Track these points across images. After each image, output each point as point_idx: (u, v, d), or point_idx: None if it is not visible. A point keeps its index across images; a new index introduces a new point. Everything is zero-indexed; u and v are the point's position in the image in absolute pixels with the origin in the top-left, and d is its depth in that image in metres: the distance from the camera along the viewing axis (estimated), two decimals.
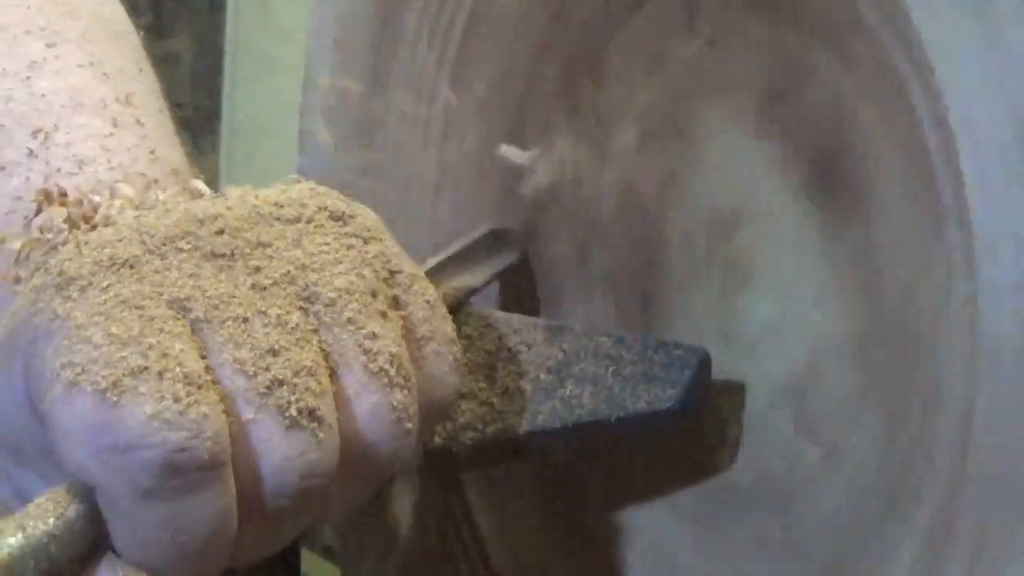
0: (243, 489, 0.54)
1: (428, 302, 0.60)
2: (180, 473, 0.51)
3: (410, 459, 0.59)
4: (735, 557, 0.66)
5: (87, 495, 0.52)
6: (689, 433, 0.66)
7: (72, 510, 0.52)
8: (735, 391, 0.65)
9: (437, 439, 0.67)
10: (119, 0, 0.76)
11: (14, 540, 0.50)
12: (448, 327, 0.61)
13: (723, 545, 0.66)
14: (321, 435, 0.55)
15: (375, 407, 0.57)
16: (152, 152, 0.66)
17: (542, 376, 0.66)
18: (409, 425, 0.57)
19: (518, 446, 0.67)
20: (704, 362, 0.64)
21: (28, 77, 0.67)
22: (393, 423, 0.57)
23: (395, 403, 0.57)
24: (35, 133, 0.65)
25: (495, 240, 0.72)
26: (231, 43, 2.41)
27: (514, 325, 0.68)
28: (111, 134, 0.66)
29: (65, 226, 0.60)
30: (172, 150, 0.68)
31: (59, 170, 0.64)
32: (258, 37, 2.51)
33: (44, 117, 0.66)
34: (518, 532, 0.76)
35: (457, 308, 0.67)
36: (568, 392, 0.65)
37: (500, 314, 0.69)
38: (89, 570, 0.53)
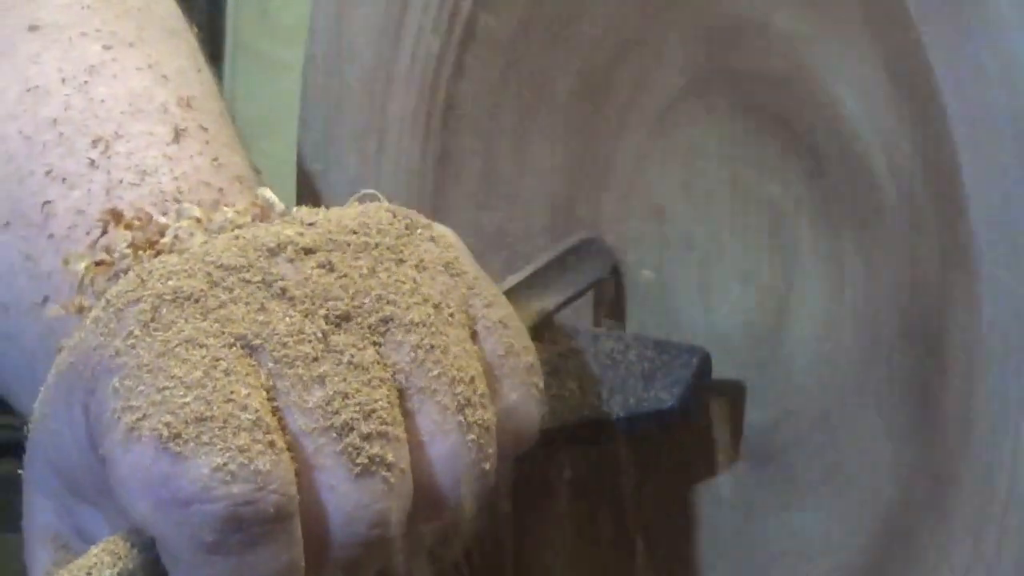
0: (310, 539, 0.51)
1: (508, 328, 0.57)
2: (244, 527, 0.49)
3: (485, 500, 0.56)
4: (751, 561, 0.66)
5: (148, 545, 0.51)
6: (696, 437, 0.66)
7: (132, 562, 0.50)
8: (737, 390, 0.65)
9: None
10: None
11: None
12: (530, 355, 0.58)
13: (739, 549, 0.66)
14: (393, 481, 0.52)
15: (452, 449, 0.54)
16: (216, 159, 0.63)
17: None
18: (486, 466, 0.55)
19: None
20: (705, 361, 0.64)
21: (86, 82, 0.65)
22: (469, 465, 0.54)
23: (472, 443, 0.54)
24: (95, 142, 0.63)
25: (585, 251, 0.69)
26: (231, 43, 2.41)
27: None
28: (173, 141, 0.63)
29: (129, 251, 0.58)
30: (235, 154, 0.65)
31: (121, 181, 0.62)
32: (258, 37, 2.51)
33: (104, 125, 0.64)
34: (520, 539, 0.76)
35: (540, 330, 0.64)
36: (568, 391, 0.65)
37: None
38: None
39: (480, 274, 0.58)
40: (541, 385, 0.58)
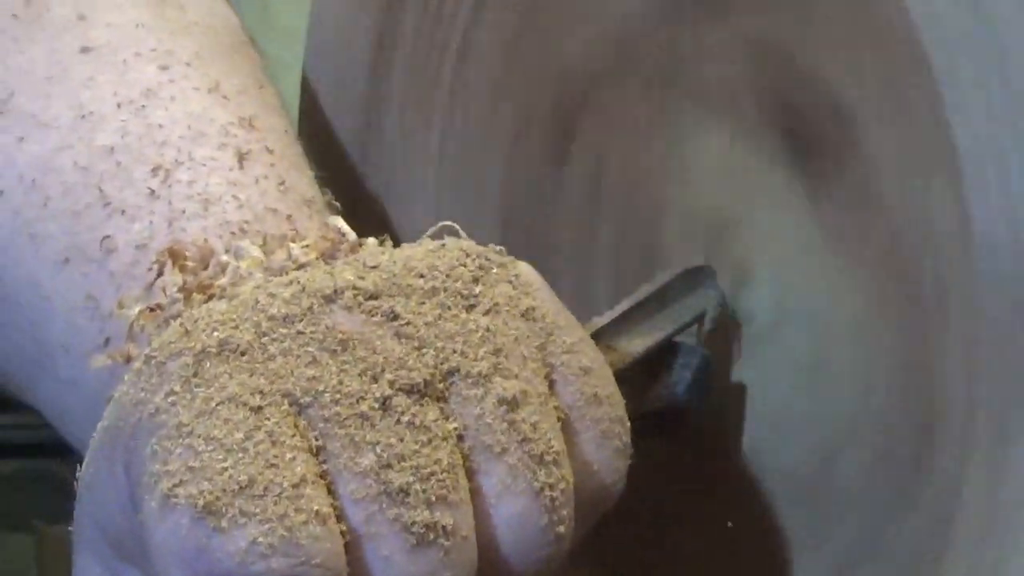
0: None
1: (590, 375, 0.53)
2: None
3: (560, 568, 0.51)
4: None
5: None
6: (697, 438, 0.65)
7: None
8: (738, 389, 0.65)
9: None
10: (230, 7, 0.70)
11: None
12: (616, 406, 0.53)
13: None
14: (453, 552, 0.48)
15: (521, 512, 0.49)
16: (282, 183, 0.60)
17: None
18: (561, 529, 0.50)
19: None
20: (704, 360, 0.64)
21: (143, 106, 0.61)
22: (541, 530, 0.50)
23: (545, 506, 0.49)
24: (155, 171, 0.59)
25: (689, 282, 0.64)
26: None
27: None
28: (237, 166, 0.60)
29: (180, 296, 0.54)
30: (302, 175, 0.62)
31: (184, 212, 0.58)
32: (258, 37, 2.51)
33: (164, 151, 0.60)
34: None
35: (630, 374, 0.60)
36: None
37: None
38: None
39: (562, 315, 0.54)
40: (627, 439, 0.53)
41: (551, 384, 0.52)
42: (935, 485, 0.57)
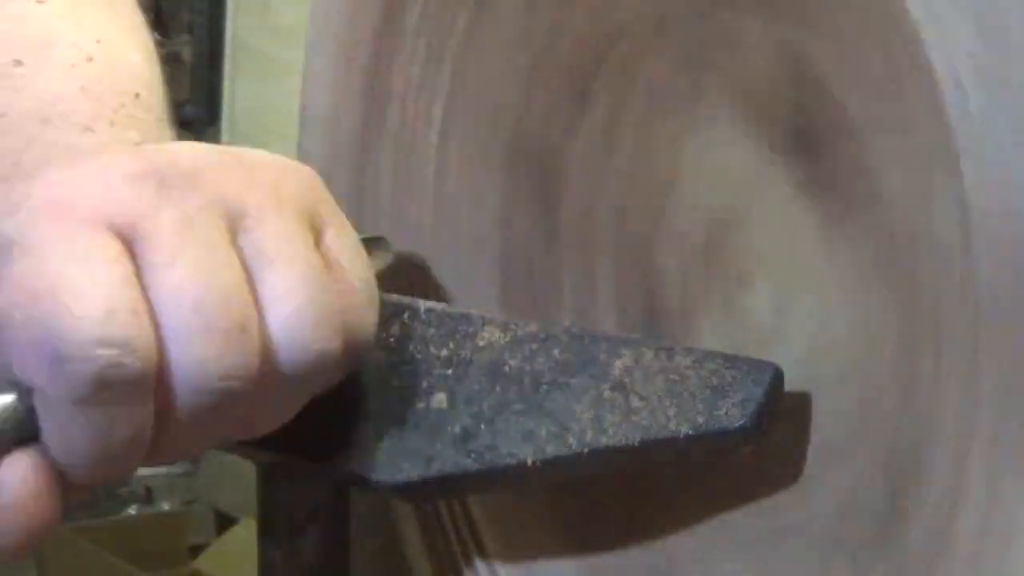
0: (163, 393, 0.57)
1: (350, 240, 0.63)
2: (111, 387, 0.56)
3: (335, 374, 0.61)
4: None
5: (25, 394, 0.57)
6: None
7: (13, 403, 0.57)
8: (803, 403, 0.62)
9: (510, 460, 0.65)
10: None
11: None
12: (368, 269, 0.63)
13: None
14: (241, 337, 0.58)
15: (297, 309, 0.59)
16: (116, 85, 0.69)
17: (605, 392, 0.64)
18: (329, 332, 0.60)
19: (583, 466, 0.65)
20: (777, 377, 0.61)
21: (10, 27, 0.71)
22: (314, 327, 0.59)
23: (318, 307, 0.59)
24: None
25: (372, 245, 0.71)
26: (231, 43, 2.41)
27: (556, 334, 0.66)
28: (83, 63, 0.69)
29: None
30: (139, 89, 0.71)
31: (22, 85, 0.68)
32: (258, 37, 2.51)
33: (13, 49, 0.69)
34: (528, 559, 0.76)
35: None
36: (633, 407, 0.62)
37: (537, 323, 0.67)
38: (16, 455, 0.57)
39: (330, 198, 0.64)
40: (376, 292, 0.63)
41: (319, 239, 0.62)
42: (934, 489, 0.57)
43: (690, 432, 0.61)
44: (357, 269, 0.62)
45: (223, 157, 0.62)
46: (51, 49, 0.70)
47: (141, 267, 0.58)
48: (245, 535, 2.26)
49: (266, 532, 0.82)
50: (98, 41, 0.71)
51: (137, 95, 0.70)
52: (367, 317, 0.63)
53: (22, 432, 0.57)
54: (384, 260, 0.73)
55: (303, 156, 0.83)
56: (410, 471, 0.65)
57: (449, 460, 0.65)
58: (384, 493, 0.71)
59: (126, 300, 0.57)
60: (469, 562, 0.78)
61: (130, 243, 0.58)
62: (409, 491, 0.67)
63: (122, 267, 0.57)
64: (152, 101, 0.72)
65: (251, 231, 0.60)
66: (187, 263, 0.58)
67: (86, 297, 0.56)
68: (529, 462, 0.64)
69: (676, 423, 0.62)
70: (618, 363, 0.64)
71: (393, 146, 0.78)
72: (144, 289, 0.57)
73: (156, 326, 0.57)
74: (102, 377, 0.56)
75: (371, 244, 0.69)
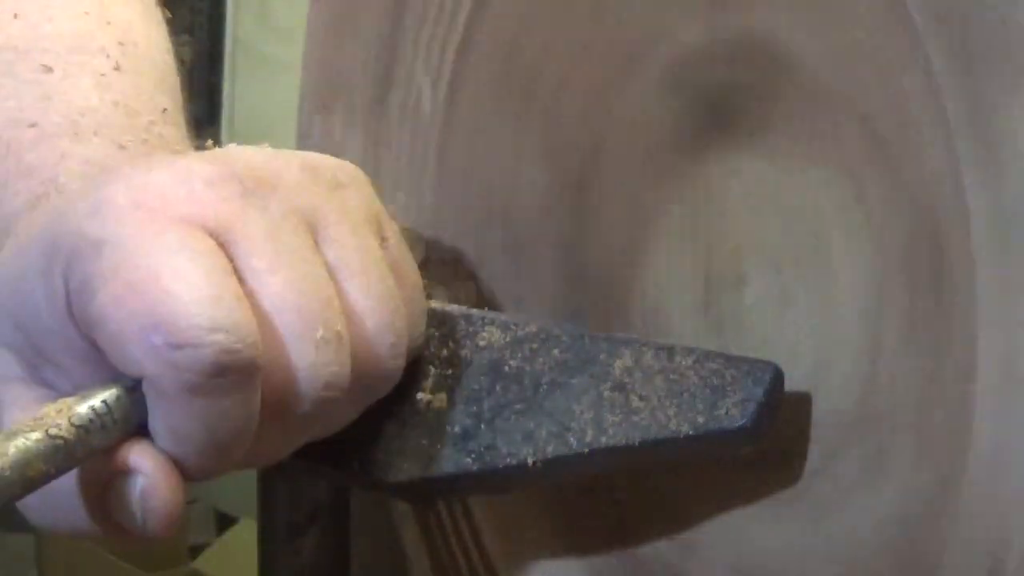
0: (269, 394, 0.57)
1: (404, 244, 0.64)
2: (225, 373, 0.55)
3: (396, 381, 0.63)
4: None
5: (132, 387, 0.57)
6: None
7: (120, 395, 0.57)
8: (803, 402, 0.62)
9: (511, 460, 0.65)
10: None
11: (35, 435, 0.55)
12: (417, 273, 0.65)
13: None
14: (342, 349, 0.59)
15: (381, 323, 0.60)
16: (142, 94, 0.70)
17: (605, 392, 0.64)
18: (403, 344, 0.61)
19: (583, 466, 0.65)
20: (778, 377, 0.60)
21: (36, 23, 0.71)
22: (393, 342, 0.61)
23: (396, 320, 0.61)
24: (37, 68, 0.69)
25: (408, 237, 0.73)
26: (231, 43, 2.41)
27: (554, 332, 0.66)
28: (111, 71, 0.69)
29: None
30: (162, 95, 0.71)
31: (51, 97, 0.68)
32: (258, 37, 2.51)
33: (46, 56, 0.69)
34: (529, 559, 0.76)
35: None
36: (633, 407, 0.62)
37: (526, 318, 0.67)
38: (125, 448, 0.57)
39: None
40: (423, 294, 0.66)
41: (381, 240, 0.63)
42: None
43: (690, 432, 0.61)
44: (413, 275, 0.64)
45: (291, 161, 0.62)
46: (80, 55, 0.70)
47: (240, 270, 0.58)
48: (245, 535, 2.26)
49: (266, 532, 0.82)
50: (122, 44, 0.71)
51: (165, 110, 0.70)
52: (422, 323, 0.65)
53: (128, 427, 0.57)
54: (419, 254, 0.73)
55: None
56: (410, 471, 0.65)
57: (449, 460, 0.65)
58: (384, 493, 0.71)
59: (231, 287, 0.57)
60: (469, 562, 0.78)
61: (222, 245, 0.58)
62: (409, 491, 0.67)
63: (222, 259, 0.57)
64: (177, 114, 0.72)
65: (332, 242, 0.60)
66: (287, 270, 0.58)
67: (193, 283, 0.56)
68: (529, 462, 0.64)
69: (676, 423, 0.62)
70: (618, 363, 0.64)
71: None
72: (247, 292, 0.57)
73: (263, 327, 0.57)
74: (217, 362, 0.55)
75: (406, 236, 0.69)
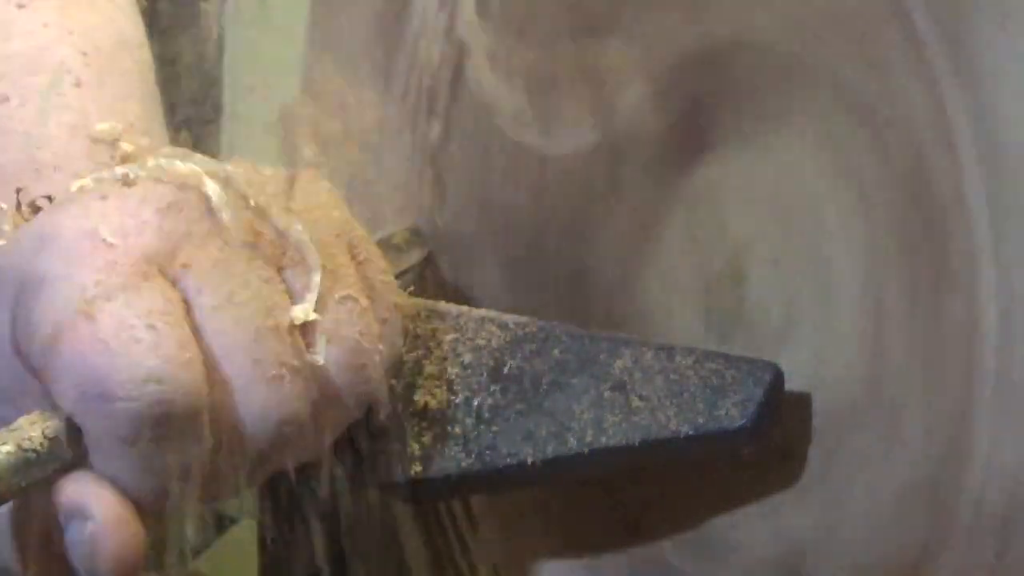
0: (222, 433, 0.56)
1: (380, 260, 0.62)
2: (160, 424, 0.54)
3: (377, 400, 0.61)
4: None
5: (73, 426, 0.56)
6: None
7: (58, 426, 0.55)
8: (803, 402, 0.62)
9: (509, 460, 0.65)
10: None
11: (7, 448, 0.55)
12: (397, 294, 0.63)
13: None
14: (298, 384, 0.57)
15: (350, 349, 0.59)
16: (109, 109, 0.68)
17: (605, 392, 0.64)
18: (374, 366, 0.60)
19: (583, 466, 0.65)
20: (778, 377, 0.61)
21: None
22: (361, 366, 0.59)
23: (365, 342, 0.59)
24: None
25: (410, 237, 0.73)
26: (231, 43, 2.40)
27: (557, 334, 0.66)
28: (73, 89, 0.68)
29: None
30: (133, 104, 0.69)
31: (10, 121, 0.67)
32: (257, 37, 2.51)
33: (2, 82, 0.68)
34: (529, 559, 0.76)
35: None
36: (633, 407, 0.63)
37: (539, 322, 0.66)
38: (67, 479, 0.55)
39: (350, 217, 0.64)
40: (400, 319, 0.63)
41: (358, 264, 0.61)
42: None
43: (690, 432, 0.61)
44: (389, 292, 0.62)
45: (258, 180, 0.60)
46: (37, 75, 0.68)
47: (189, 305, 0.56)
48: (245, 535, 2.26)
49: (266, 532, 0.82)
50: (85, 54, 0.69)
51: (132, 124, 0.67)
52: (399, 340, 0.63)
53: (75, 459, 0.56)
54: (421, 253, 0.73)
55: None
56: (410, 471, 0.65)
57: (449, 460, 0.65)
58: (384, 493, 0.71)
59: (174, 333, 0.55)
60: (469, 562, 0.78)
61: (171, 280, 0.56)
62: (409, 491, 0.67)
63: (168, 299, 0.56)
64: (148, 120, 0.70)
65: (295, 265, 0.58)
66: (237, 308, 0.57)
67: (130, 330, 0.54)
68: (529, 462, 0.64)
69: (676, 423, 0.62)
70: (618, 363, 0.63)
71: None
72: (193, 330, 0.56)
73: (210, 367, 0.56)
74: (150, 415, 0.54)
75: (410, 236, 0.69)
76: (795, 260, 0.62)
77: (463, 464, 0.65)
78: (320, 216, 0.60)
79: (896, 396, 0.59)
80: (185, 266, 0.56)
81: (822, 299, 0.61)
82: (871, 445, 0.60)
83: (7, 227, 0.60)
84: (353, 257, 0.61)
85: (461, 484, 0.66)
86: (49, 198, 0.61)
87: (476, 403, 0.65)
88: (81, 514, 0.55)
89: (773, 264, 0.63)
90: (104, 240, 0.56)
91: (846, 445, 0.61)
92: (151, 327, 0.54)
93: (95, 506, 0.55)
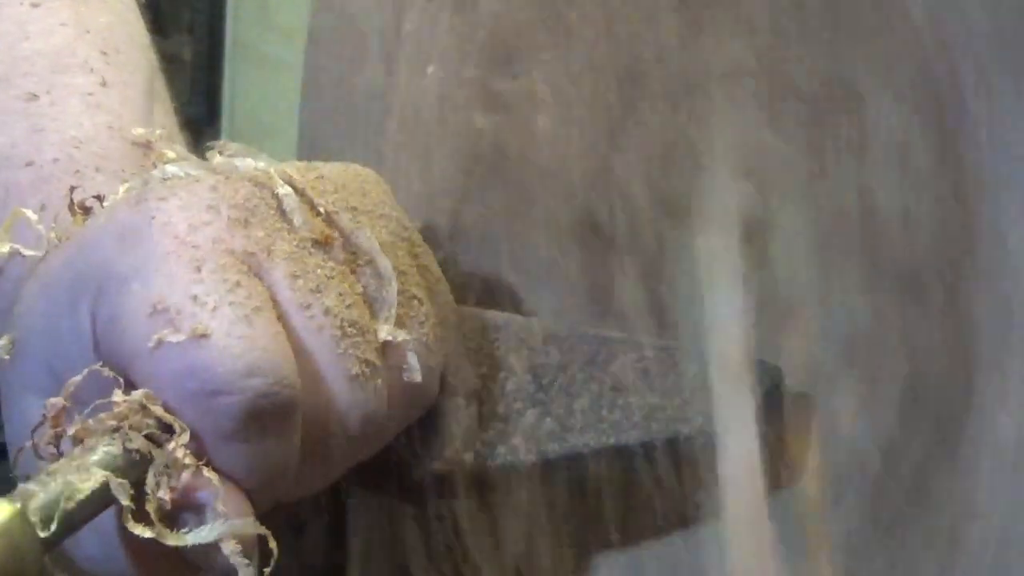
0: (307, 431, 0.56)
1: (435, 266, 0.63)
2: (263, 417, 0.54)
3: (432, 402, 0.62)
4: None
5: (167, 425, 0.55)
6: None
7: (153, 428, 0.54)
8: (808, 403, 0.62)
9: (505, 456, 0.65)
10: None
11: (113, 450, 0.53)
12: (447, 287, 0.64)
13: None
14: (378, 381, 0.58)
15: (415, 351, 0.59)
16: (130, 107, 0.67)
17: (605, 392, 0.64)
18: (440, 360, 0.61)
19: (583, 466, 0.65)
20: (777, 375, 0.61)
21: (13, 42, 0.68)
22: (427, 371, 0.60)
23: (429, 352, 0.60)
24: (21, 95, 0.66)
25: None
26: (231, 43, 2.41)
27: (558, 335, 0.66)
28: (99, 89, 0.67)
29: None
30: (143, 103, 0.69)
31: (43, 128, 0.65)
32: (258, 37, 2.51)
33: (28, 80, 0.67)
34: (528, 556, 0.76)
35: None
36: (633, 407, 0.63)
37: (533, 322, 0.67)
38: (186, 475, 0.54)
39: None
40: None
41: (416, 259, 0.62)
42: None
43: (690, 432, 0.61)
44: (444, 292, 0.63)
45: (314, 175, 0.60)
46: (64, 74, 0.67)
47: (274, 301, 0.56)
48: None
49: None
50: (105, 53, 0.68)
51: (163, 125, 0.67)
52: (452, 334, 0.63)
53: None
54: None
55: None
56: (409, 471, 0.65)
57: (450, 460, 0.65)
58: (384, 493, 0.71)
59: (267, 325, 0.55)
60: (469, 561, 0.78)
61: (256, 276, 0.56)
62: (409, 491, 0.67)
63: (256, 292, 0.55)
64: (165, 116, 0.69)
65: (366, 266, 0.59)
66: (319, 304, 0.57)
67: (227, 323, 0.54)
68: (529, 462, 0.64)
69: (676, 423, 0.62)
70: (618, 363, 0.64)
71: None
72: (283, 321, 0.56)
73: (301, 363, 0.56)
74: (255, 408, 0.54)
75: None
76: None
77: (463, 463, 0.65)
78: (379, 217, 0.61)
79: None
80: (270, 262, 0.56)
81: None
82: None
83: (52, 228, 0.60)
84: (414, 258, 0.61)
85: (460, 483, 0.66)
86: (99, 198, 0.60)
87: (477, 403, 0.65)
88: (202, 509, 0.54)
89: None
90: (188, 237, 0.55)
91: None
92: (247, 321, 0.54)
93: (218, 502, 0.54)
